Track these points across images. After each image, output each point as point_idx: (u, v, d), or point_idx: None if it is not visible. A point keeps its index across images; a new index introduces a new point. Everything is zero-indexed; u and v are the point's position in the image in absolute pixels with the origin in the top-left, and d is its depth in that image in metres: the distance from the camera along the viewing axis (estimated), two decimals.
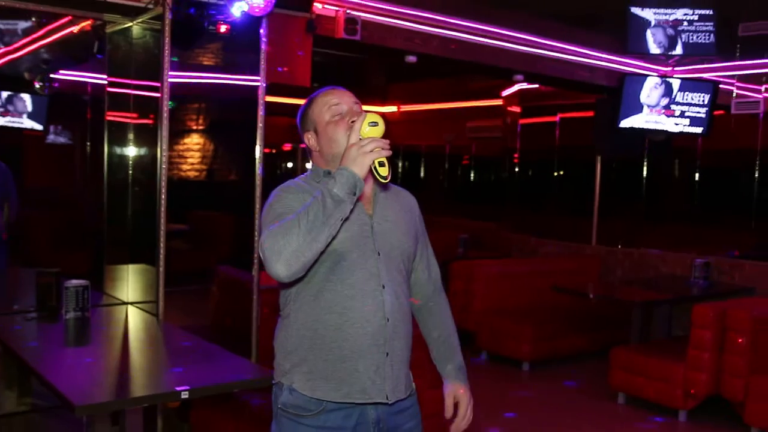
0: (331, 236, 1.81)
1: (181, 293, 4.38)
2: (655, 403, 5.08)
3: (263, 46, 4.25)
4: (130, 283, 4.31)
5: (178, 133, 4.94)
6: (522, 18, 6.11)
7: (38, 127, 5.32)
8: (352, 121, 1.97)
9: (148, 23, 4.19)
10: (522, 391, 5.71)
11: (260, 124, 4.28)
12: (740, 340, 4.61)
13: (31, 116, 5.31)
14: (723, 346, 4.74)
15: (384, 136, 1.87)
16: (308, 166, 2.20)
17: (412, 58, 5.49)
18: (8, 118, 5.21)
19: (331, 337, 1.95)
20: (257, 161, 4.29)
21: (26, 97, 5.26)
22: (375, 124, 1.85)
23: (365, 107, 2.09)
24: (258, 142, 4.28)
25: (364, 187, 1.85)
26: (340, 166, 1.82)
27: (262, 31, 4.25)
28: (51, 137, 5.60)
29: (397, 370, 2.02)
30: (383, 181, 1.85)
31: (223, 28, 3.86)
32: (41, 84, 5.34)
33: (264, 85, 4.26)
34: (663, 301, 5.95)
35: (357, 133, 1.84)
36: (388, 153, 1.83)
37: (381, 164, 1.84)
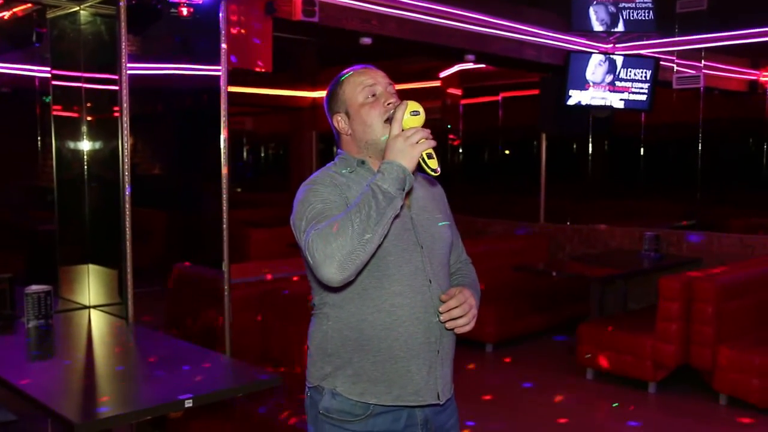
0: (384, 235, 1.69)
1: (141, 293, 4.16)
2: (624, 376, 5.15)
3: (223, 31, 4.03)
4: (90, 285, 4.04)
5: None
6: None
7: None
8: (388, 104, 1.86)
9: (97, 7, 3.91)
10: (490, 373, 5.71)
11: (224, 112, 4.06)
12: (709, 310, 4.71)
13: None
14: (690, 317, 4.84)
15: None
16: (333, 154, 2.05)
17: (366, 40, 5.34)
18: None
19: (379, 337, 1.83)
20: (222, 152, 4.08)
21: None
22: (417, 113, 1.74)
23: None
24: (222, 131, 4.07)
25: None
26: (386, 159, 1.70)
27: (221, 14, 4.04)
28: None
29: (446, 368, 1.93)
30: (434, 174, 1.75)
31: (185, 11, 3.62)
32: None
33: (226, 70, 4.04)
34: (620, 275, 6.05)
35: (400, 123, 1.73)
36: (434, 143, 1.73)
37: (429, 156, 1.73)
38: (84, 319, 3.72)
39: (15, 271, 4.74)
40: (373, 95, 1.89)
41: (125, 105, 3.65)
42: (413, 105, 1.75)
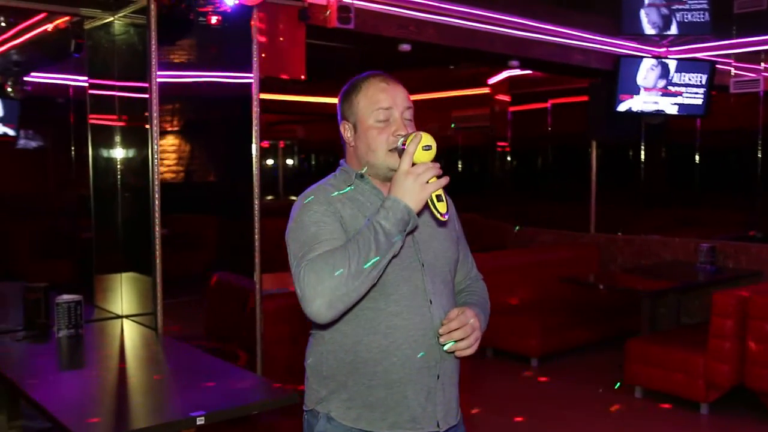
0: (379, 276, 1.60)
1: (174, 303, 4.13)
2: (674, 395, 4.91)
3: (255, 38, 3.99)
4: (123, 295, 4.04)
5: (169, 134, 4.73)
6: (516, 1, 5.90)
7: (11, 132, 5.02)
8: (398, 135, 1.74)
9: (131, 17, 3.91)
10: (533, 388, 5.51)
11: (255, 120, 4.02)
12: (766, 327, 4.44)
13: (2, 121, 5.02)
14: (745, 334, 4.57)
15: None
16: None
17: (406, 47, 5.24)
18: None
19: (375, 360, 1.72)
20: (254, 159, 4.04)
21: None
22: (429, 147, 1.62)
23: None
24: (254, 140, 4.03)
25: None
26: (392, 195, 1.59)
27: (253, 22, 4.00)
28: (21, 142, 5.32)
29: (448, 393, 1.80)
30: (442, 219, 1.62)
31: (213, 19, 3.59)
32: (12, 87, 5.06)
33: (258, 78, 4.01)
34: (673, 289, 5.79)
35: (411, 157, 1.61)
36: (446, 181, 1.61)
37: (439, 198, 1.62)
38: (115, 330, 3.71)
39: (62, 278, 4.80)
40: (386, 121, 1.77)
41: (155, 113, 3.63)
42: (427, 138, 1.62)
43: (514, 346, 6.02)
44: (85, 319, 3.80)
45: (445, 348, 1.73)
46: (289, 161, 13.51)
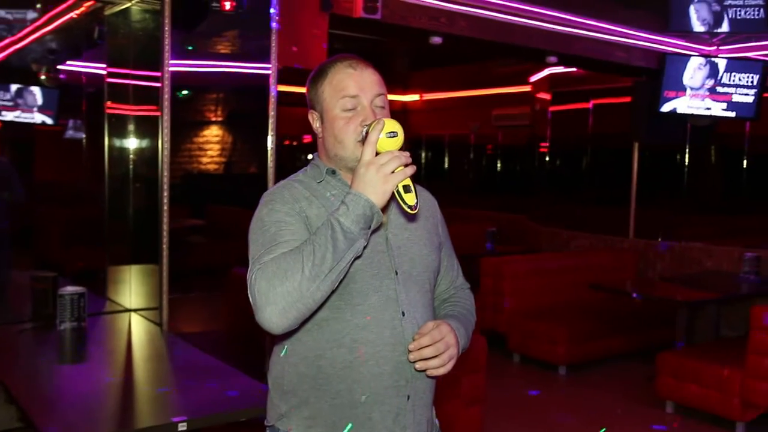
0: (339, 281, 1.43)
1: (191, 296, 4.04)
2: (708, 413, 4.63)
3: (274, 26, 3.86)
4: (132, 287, 3.95)
5: (196, 124, 4.67)
6: None
7: (49, 121, 5.01)
8: (365, 125, 1.54)
9: (148, 2, 3.82)
10: (559, 397, 5.29)
11: (272, 113, 3.90)
12: None
13: (41, 109, 5.01)
14: None
15: (405, 131, 1.46)
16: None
17: (437, 40, 5.05)
18: (17, 113, 4.93)
19: (338, 376, 1.55)
20: (269, 153, 3.91)
21: (36, 90, 4.96)
22: (394, 134, 1.44)
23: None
24: (270, 132, 3.90)
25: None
26: (353, 189, 1.41)
27: (272, 9, 3.87)
28: (70, 132, 5.32)
29: (419, 416, 1.62)
30: (410, 212, 1.43)
31: (227, 5, 3.46)
32: (47, 75, 5.04)
33: (275, 69, 3.87)
34: (712, 300, 5.49)
35: (373, 147, 1.43)
36: (413, 170, 1.42)
37: (406, 189, 1.43)
38: (120, 324, 3.63)
39: (99, 267, 4.73)
40: (353, 110, 1.60)
41: (166, 102, 3.52)
42: (391, 124, 1.44)
43: (541, 352, 5.79)
44: (96, 311, 3.75)
45: (416, 366, 1.55)
46: None
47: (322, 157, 1.69)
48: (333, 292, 1.46)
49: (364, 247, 1.44)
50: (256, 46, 3.98)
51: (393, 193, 1.41)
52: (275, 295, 1.37)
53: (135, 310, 3.84)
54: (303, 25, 4.01)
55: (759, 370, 4.32)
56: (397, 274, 1.59)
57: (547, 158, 9.13)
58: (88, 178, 5.41)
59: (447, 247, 1.81)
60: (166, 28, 3.52)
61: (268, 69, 3.90)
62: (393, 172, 1.40)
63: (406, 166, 1.41)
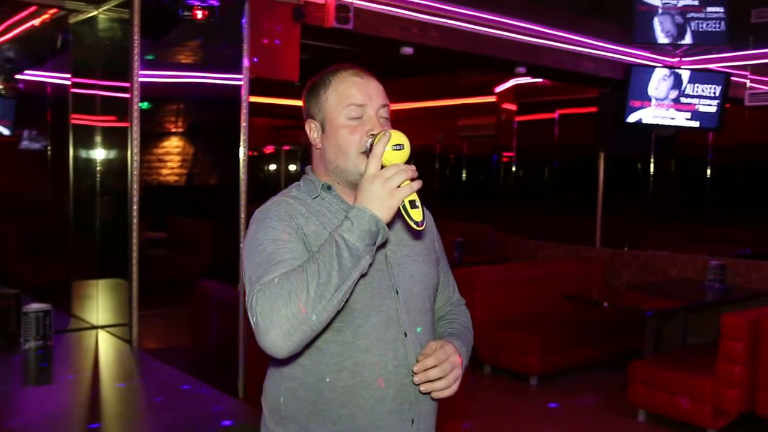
0: (345, 300, 1.36)
1: (158, 311, 3.93)
2: (679, 421, 4.66)
3: (245, 37, 3.80)
4: (100, 302, 3.84)
5: (156, 136, 4.57)
6: (524, 6, 5.68)
7: (6, 131, 4.86)
8: (371, 135, 1.49)
9: (115, 11, 3.73)
10: (532, 407, 5.28)
11: (244, 123, 3.83)
12: None
13: None
14: (757, 359, 4.34)
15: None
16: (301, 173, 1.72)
17: (408, 50, 5.04)
18: None
19: (340, 401, 1.49)
20: (241, 164, 3.84)
21: None
22: (401, 147, 1.38)
23: None
24: (242, 143, 3.83)
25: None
26: (358, 203, 1.35)
27: (244, 19, 3.81)
28: (25, 143, 5.17)
29: None
30: (417, 228, 1.38)
31: (199, 14, 3.39)
32: (5, 85, 4.89)
33: (248, 79, 3.81)
34: (680, 308, 5.55)
35: (379, 160, 1.37)
36: (419, 185, 1.37)
37: (413, 204, 1.37)
38: (88, 341, 3.51)
39: (58, 282, 4.58)
40: (359, 119, 1.54)
41: (136, 113, 3.44)
42: (397, 136, 1.39)
43: (513, 363, 5.79)
44: (60, 328, 3.61)
45: (421, 389, 1.50)
46: (292, 166, 13.34)
47: (317, 171, 1.63)
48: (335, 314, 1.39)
49: (370, 265, 1.38)
50: (226, 55, 3.91)
51: (399, 208, 1.36)
52: (279, 317, 1.30)
53: (102, 327, 3.72)
54: (275, 35, 3.95)
55: (729, 377, 4.37)
56: (397, 293, 1.54)
57: (513, 168, 9.17)
58: (50, 189, 5.27)
59: (444, 263, 1.76)
60: (136, 38, 3.44)
61: (238, 80, 3.84)
62: (399, 186, 1.34)
63: (412, 180, 1.36)
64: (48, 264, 5.06)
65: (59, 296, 4.02)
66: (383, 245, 1.50)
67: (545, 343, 5.70)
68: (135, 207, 3.43)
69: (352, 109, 1.53)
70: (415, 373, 1.49)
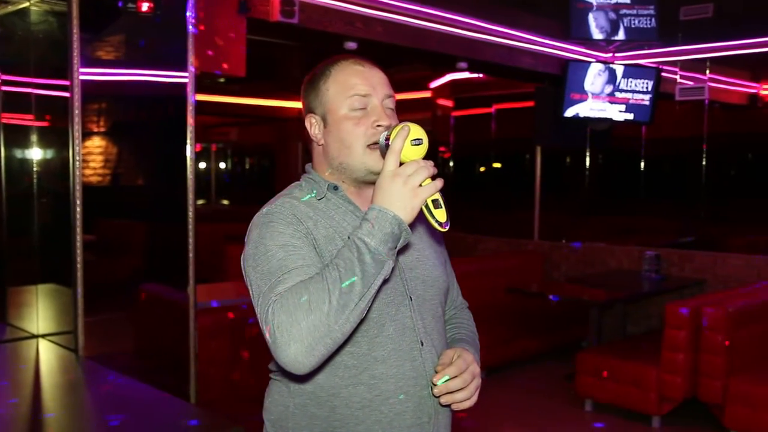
0: (368, 309, 1.27)
1: (101, 317, 3.75)
2: (625, 408, 4.77)
3: (190, 31, 3.65)
4: (39, 310, 3.64)
5: (86, 135, 4.37)
6: (467, 1, 5.69)
7: None
8: (377, 125, 1.41)
9: (50, 2, 3.53)
10: (480, 401, 5.30)
11: (190, 120, 3.69)
12: (719, 339, 4.34)
13: None
14: (698, 346, 4.47)
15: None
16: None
17: (352, 45, 4.98)
18: None
19: (356, 417, 1.38)
20: (188, 162, 3.70)
21: None
22: (419, 141, 1.29)
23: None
24: (188, 141, 3.69)
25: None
26: (377, 203, 1.25)
27: (189, 12, 3.66)
28: None
29: None
30: (441, 229, 1.29)
31: (144, 6, 3.24)
32: None
33: (193, 75, 3.67)
34: (620, 299, 5.69)
35: (398, 156, 1.27)
36: (441, 183, 1.28)
37: (436, 204, 1.28)
38: (28, 352, 3.32)
39: None
40: (363, 109, 1.44)
41: (77, 112, 3.27)
42: (416, 130, 1.29)
43: None
44: None
45: (442, 401, 1.42)
46: (222, 165, 13.09)
47: (319, 169, 1.51)
48: None
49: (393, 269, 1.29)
50: (169, 51, 3.76)
51: (421, 208, 1.27)
52: (300, 330, 1.20)
53: (43, 336, 3.53)
54: (220, 29, 3.83)
55: (673, 365, 4.49)
56: (411, 299, 1.45)
57: (450, 163, 9.22)
58: None
59: (449, 265, 1.68)
60: (75, 31, 3.25)
61: (184, 76, 3.70)
62: (420, 185, 1.26)
63: (433, 178, 1.28)
64: None
65: None
66: (403, 248, 1.40)
67: (491, 337, 5.74)
68: (78, 209, 3.26)
69: (355, 100, 1.43)
70: (434, 385, 1.41)
